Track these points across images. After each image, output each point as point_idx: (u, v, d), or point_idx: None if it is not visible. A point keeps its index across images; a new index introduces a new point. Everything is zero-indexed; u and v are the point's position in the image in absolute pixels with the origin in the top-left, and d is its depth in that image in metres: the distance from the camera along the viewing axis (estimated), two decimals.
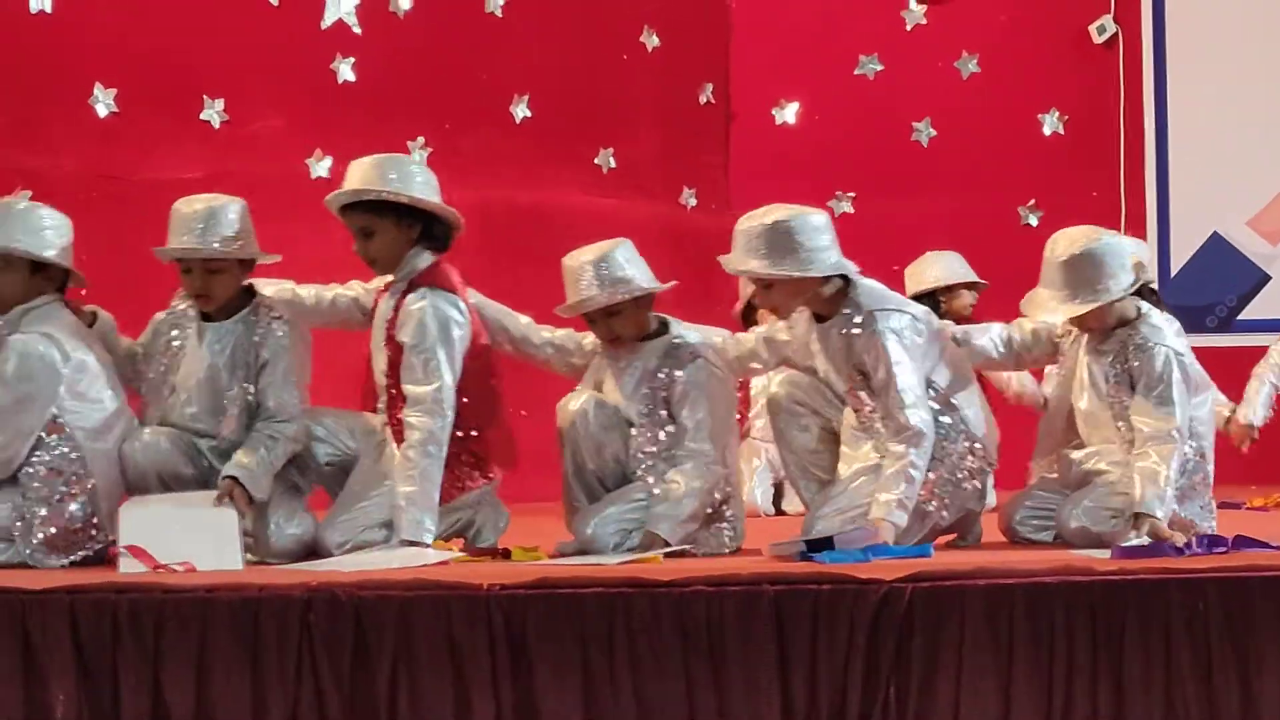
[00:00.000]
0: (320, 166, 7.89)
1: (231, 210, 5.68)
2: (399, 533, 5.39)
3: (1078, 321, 5.64)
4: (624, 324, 5.59)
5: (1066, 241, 5.67)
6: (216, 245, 5.62)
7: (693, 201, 9.13)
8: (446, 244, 5.70)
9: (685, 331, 5.68)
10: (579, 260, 5.54)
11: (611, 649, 4.33)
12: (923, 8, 8.60)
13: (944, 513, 5.64)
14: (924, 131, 9.32)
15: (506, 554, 5.46)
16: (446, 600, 4.39)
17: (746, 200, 8.62)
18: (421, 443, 5.43)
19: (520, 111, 8.23)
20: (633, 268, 5.58)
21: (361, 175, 5.72)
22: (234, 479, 5.42)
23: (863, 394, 5.52)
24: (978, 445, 5.66)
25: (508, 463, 5.79)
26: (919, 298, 6.31)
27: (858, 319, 5.49)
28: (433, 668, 4.34)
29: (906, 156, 9.06)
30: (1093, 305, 5.45)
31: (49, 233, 5.54)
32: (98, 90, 7.87)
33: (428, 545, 5.36)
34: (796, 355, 5.72)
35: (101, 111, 7.87)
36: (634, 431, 5.63)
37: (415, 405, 5.51)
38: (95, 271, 5.77)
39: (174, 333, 5.81)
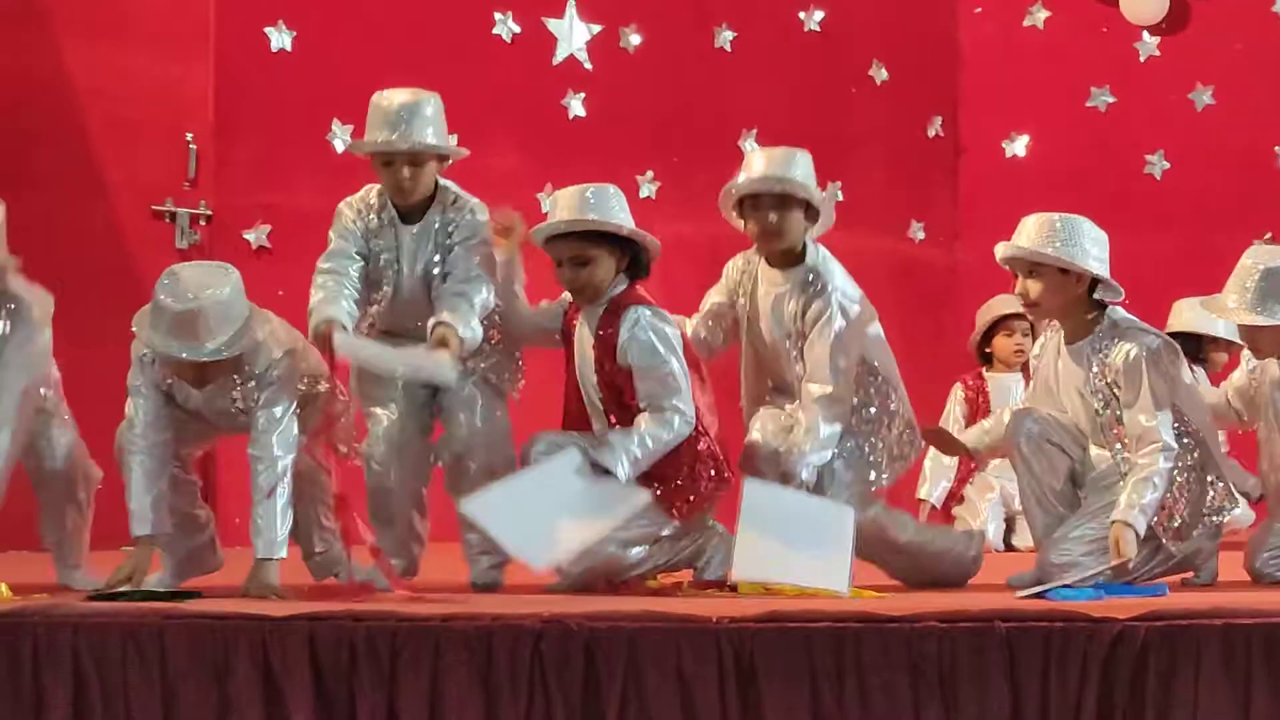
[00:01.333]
0: (551, 201, 7.93)
1: (430, 105, 5.83)
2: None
3: (1249, 338, 5.55)
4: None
5: (1269, 253, 5.61)
6: (426, 138, 5.75)
7: (921, 235, 9.07)
8: (647, 272, 5.79)
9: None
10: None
11: (841, 684, 4.31)
12: (1156, 39, 8.47)
13: (1174, 545, 5.59)
14: (1157, 164, 9.17)
15: (733, 587, 5.48)
16: (676, 633, 4.41)
17: (975, 233, 8.58)
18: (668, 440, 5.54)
19: (749, 146, 8.25)
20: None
21: (581, 204, 5.79)
22: (443, 323, 5.53)
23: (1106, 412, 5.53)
24: (1219, 483, 5.57)
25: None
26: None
27: (1116, 338, 5.50)
28: (662, 700, 4.34)
29: (1139, 190, 8.93)
30: (1273, 322, 5.44)
31: None
32: (335, 126, 8.01)
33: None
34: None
35: (339, 147, 8.01)
36: None
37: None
38: None
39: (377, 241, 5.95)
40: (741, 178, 5.80)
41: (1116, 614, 4.38)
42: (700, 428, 5.66)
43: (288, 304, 6.12)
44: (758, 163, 5.82)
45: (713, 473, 5.72)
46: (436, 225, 5.84)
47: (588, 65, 8.49)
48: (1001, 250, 5.63)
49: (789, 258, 5.79)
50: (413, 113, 5.85)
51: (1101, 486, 5.58)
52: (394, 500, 6.02)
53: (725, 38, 8.41)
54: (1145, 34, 8.63)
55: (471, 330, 5.59)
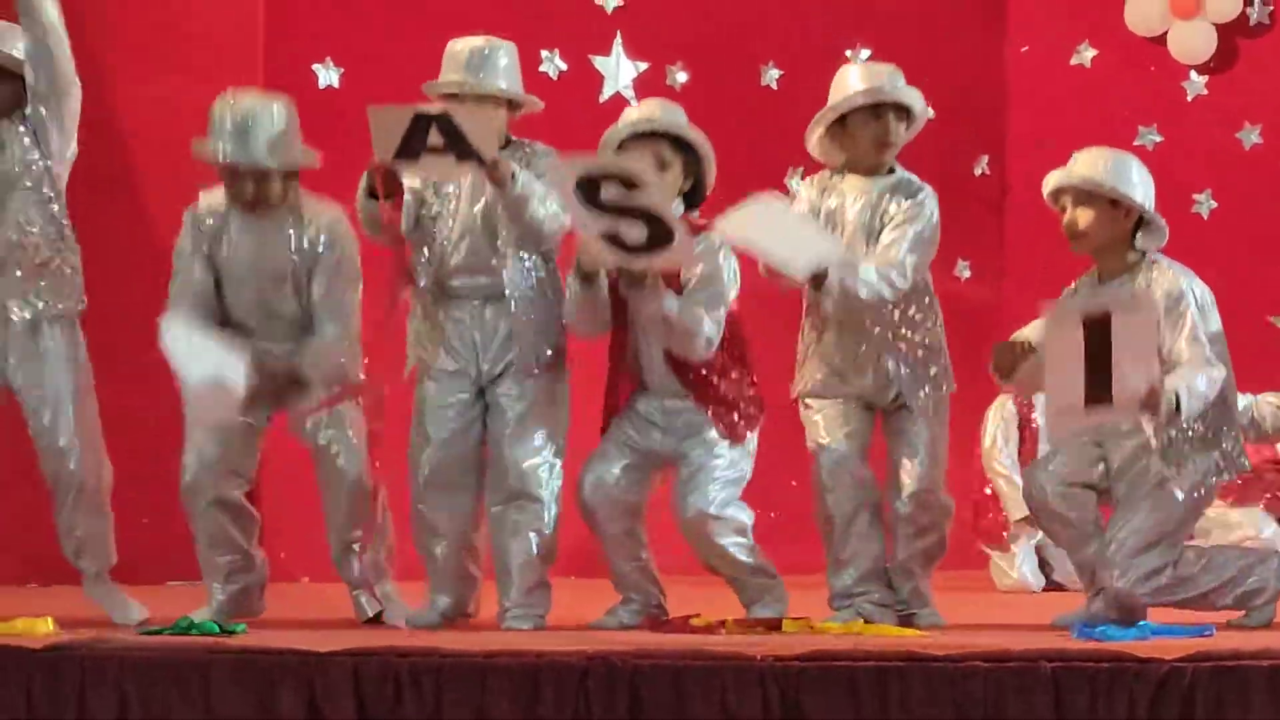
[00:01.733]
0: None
1: (504, 53, 6.03)
2: None
3: None
4: None
5: None
6: (499, 84, 5.97)
7: (967, 273, 9.08)
8: (704, 198, 6.24)
9: None
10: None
11: None
12: (1203, 78, 8.50)
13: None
14: (1204, 203, 9.16)
15: (778, 625, 5.50)
16: (721, 671, 4.42)
17: (1022, 272, 8.58)
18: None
19: (795, 183, 8.28)
20: None
21: (665, 109, 6.25)
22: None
23: None
24: (1234, 441, 5.86)
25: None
26: None
27: (1157, 274, 5.70)
28: None
29: (1187, 228, 8.89)
30: None
31: None
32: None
33: None
34: None
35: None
36: None
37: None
38: None
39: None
40: (851, 91, 6.26)
41: (1164, 654, 4.39)
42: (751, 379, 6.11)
43: None
44: (859, 77, 6.30)
45: (753, 409, 6.09)
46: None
47: (634, 103, 8.53)
48: (1055, 179, 5.86)
49: (883, 168, 6.31)
50: (485, 59, 6.03)
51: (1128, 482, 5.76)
52: (434, 534, 6.21)
53: (772, 76, 8.45)
54: (1193, 73, 8.65)
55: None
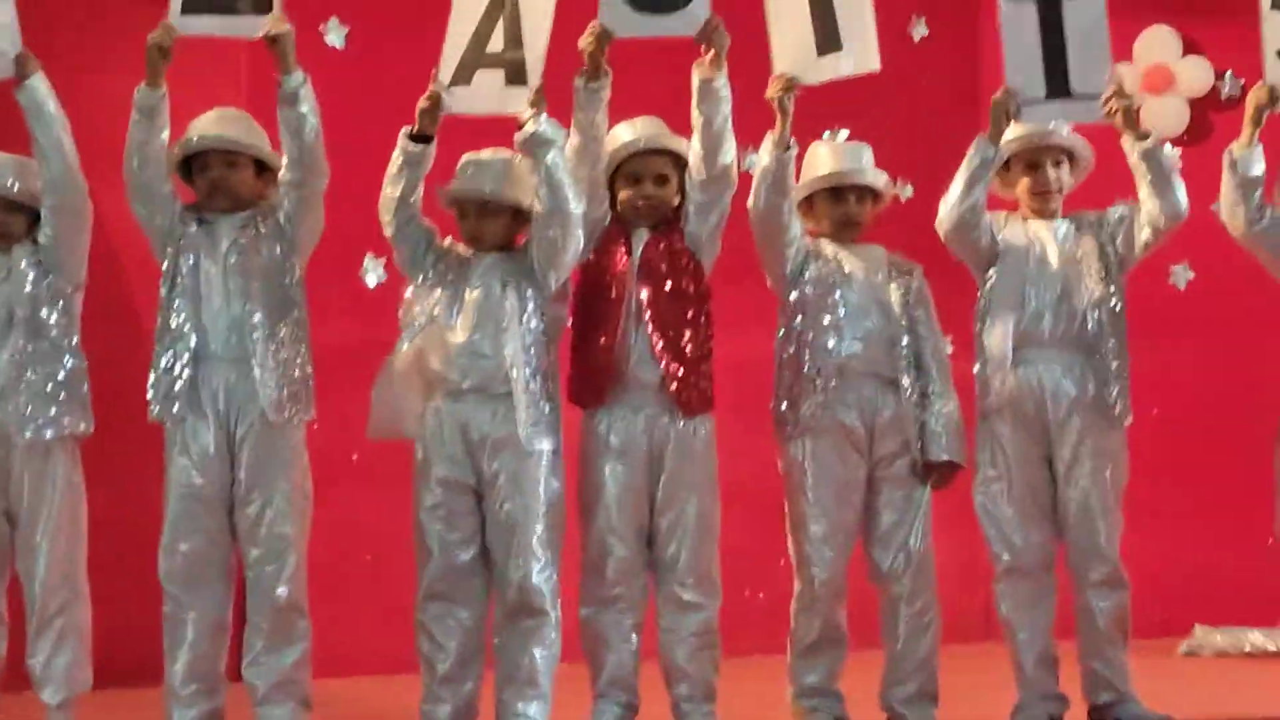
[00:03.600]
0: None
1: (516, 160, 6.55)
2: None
3: None
4: None
5: None
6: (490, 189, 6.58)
7: (949, 349, 9.07)
8: None
9: None
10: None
11: None
12: (1177, 151, 8.57)
13: None
14: (1181, 275, 9.29)
15: None
16: None
17: None
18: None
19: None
20: None
21: (661, 130, 6.75)
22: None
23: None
24: None
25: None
26: None
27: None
28: None
29: (1163, 300, 9.01)
30: None
31: None
32: (368, 261, 8.18)
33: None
34: None
35: (371, 281, 8.19)
36: None
37: None
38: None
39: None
40: (814, 174, 6.89)
41: None
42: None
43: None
44: (823, 158, 6.95)
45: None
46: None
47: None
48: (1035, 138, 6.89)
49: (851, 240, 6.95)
50: (507, 166, 6.66)
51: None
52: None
53: (750, 161, 8.39)
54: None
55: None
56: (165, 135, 6.61)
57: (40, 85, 6.59)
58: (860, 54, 6.68)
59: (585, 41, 6.50)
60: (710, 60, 6.52)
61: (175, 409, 6.58)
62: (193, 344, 6.61)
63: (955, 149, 7.13)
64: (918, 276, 7.02)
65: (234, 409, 6.62)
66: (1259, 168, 6.90)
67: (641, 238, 6.70)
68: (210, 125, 6.73)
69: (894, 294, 6.90)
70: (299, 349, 6.70)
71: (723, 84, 6.53)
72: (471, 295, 6.61)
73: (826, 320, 6.82)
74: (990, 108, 6.88)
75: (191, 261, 6.66)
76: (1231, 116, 8.61)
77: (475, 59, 6.65)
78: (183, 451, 6.63)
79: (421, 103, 6.58)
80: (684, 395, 6.60)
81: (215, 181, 6.71)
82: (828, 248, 6.91)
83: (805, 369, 6.79)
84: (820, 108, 7.02)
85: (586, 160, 6.62)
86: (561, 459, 6.73)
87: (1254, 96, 6.89)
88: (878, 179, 6.95)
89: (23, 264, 6.74)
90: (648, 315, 6.62)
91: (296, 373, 6.67)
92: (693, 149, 6.61)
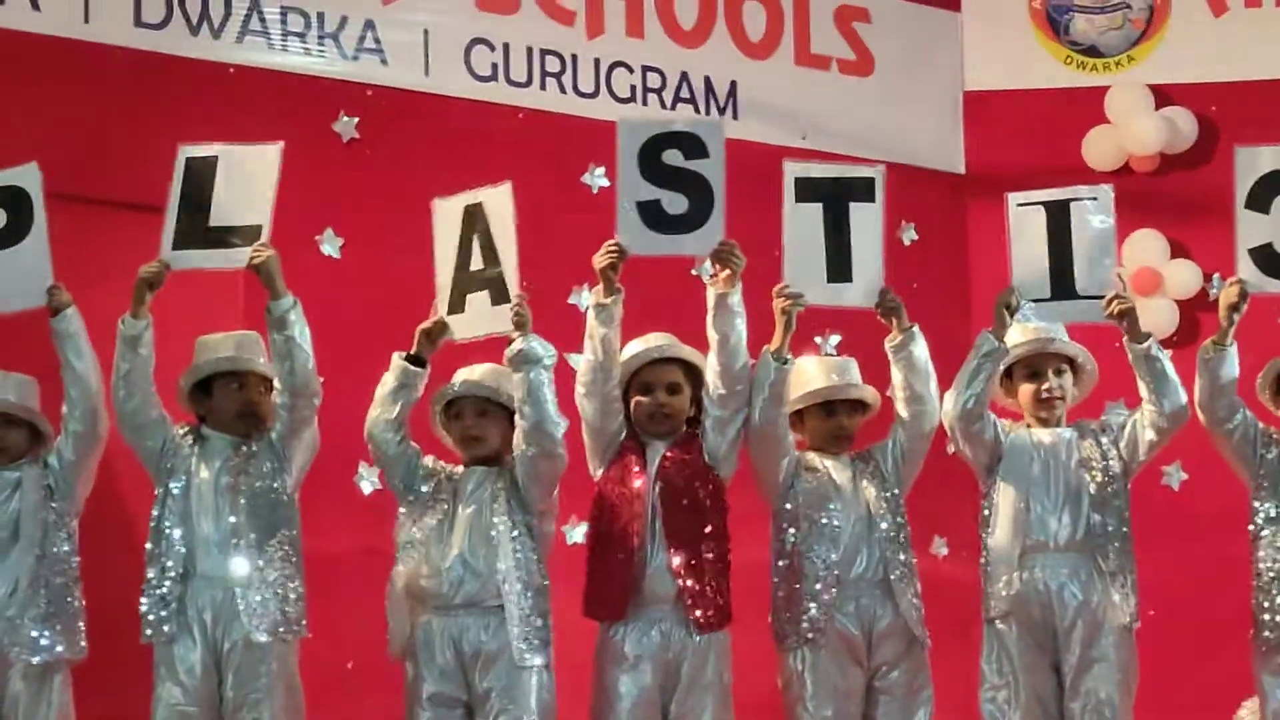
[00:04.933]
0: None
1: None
2: None
3: None
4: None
5: None
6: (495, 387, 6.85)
7: (944, 550, 9.23)
8: None
9: None
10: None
11: None
12: (1167, 353, 8.59)
13: None
14: (1174, 475, 9.36)
15: None
16: None
17: None
18: None
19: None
20: None
21: (674, 342, 6.97)
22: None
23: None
24: None
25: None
26: None
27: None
28: None
29: (1157, 501, 9.07)
30: None
31: None
32: (362, 468, 8.24)
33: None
34: None
35: (366, 489, 8.26)
36: None
37: None
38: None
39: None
40: (803, 390, 7.13)
41: None
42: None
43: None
44: (812, 374, 7.23)
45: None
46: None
47: None
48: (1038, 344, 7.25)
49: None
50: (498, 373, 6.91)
51: None
52: None
53: None
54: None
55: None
56: (150, 362, 6.87)
57: (73, 319, 6.92)
58: (866, 290, 7.04)
59: (600, 260, 6.71)
60: (725, 278, 6.75)
61: (165, 629, 6.75)
62: (182, 563, 6.81)
63: (946, 352, 7.34)
64: (875, 454, 7.23)
65: (220, 628, 6.80)
66: (1230, 370, 7.10)
67: (658, 451, 6.88)
68: (251, 348, 7.09)
69: (870, 493, 7.10)
70: (288, 567, 6.87)
71: (737, 301, 6.74)
72: (464, 512, 6.81)
73: (822, 532, 6.98)
74: (994, 304, 7.11)
75: (183, 482, 6.88)
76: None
77: (464, 283, 6.94)
78: (170, 673, 6.78)
79: (424, 325, 6.86)
80: (701, 612, 6.75)
81: (251, 405, 7.04)
82: (816, 460, 7.10)
83: (803, 581, 6.92)
84: (810, 312, 7.14)
85: (601, 376, 6.81)
86: (553, 672, 6.87)
87: (1225, 295, 7.11)
88: (865, 393, 7.18)
89: (30, 484, 6.95)
90: (664, 531, 6.78)
91: (289, 593, 6.85)
92: (710, 365, 6.81)
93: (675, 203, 6.87)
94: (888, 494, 7.10)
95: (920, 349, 7.02)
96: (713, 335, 6.80)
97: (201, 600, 6.77)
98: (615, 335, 6.84)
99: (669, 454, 6.87)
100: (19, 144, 7.49)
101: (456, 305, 6.94)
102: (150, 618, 6.80)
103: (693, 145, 6.94)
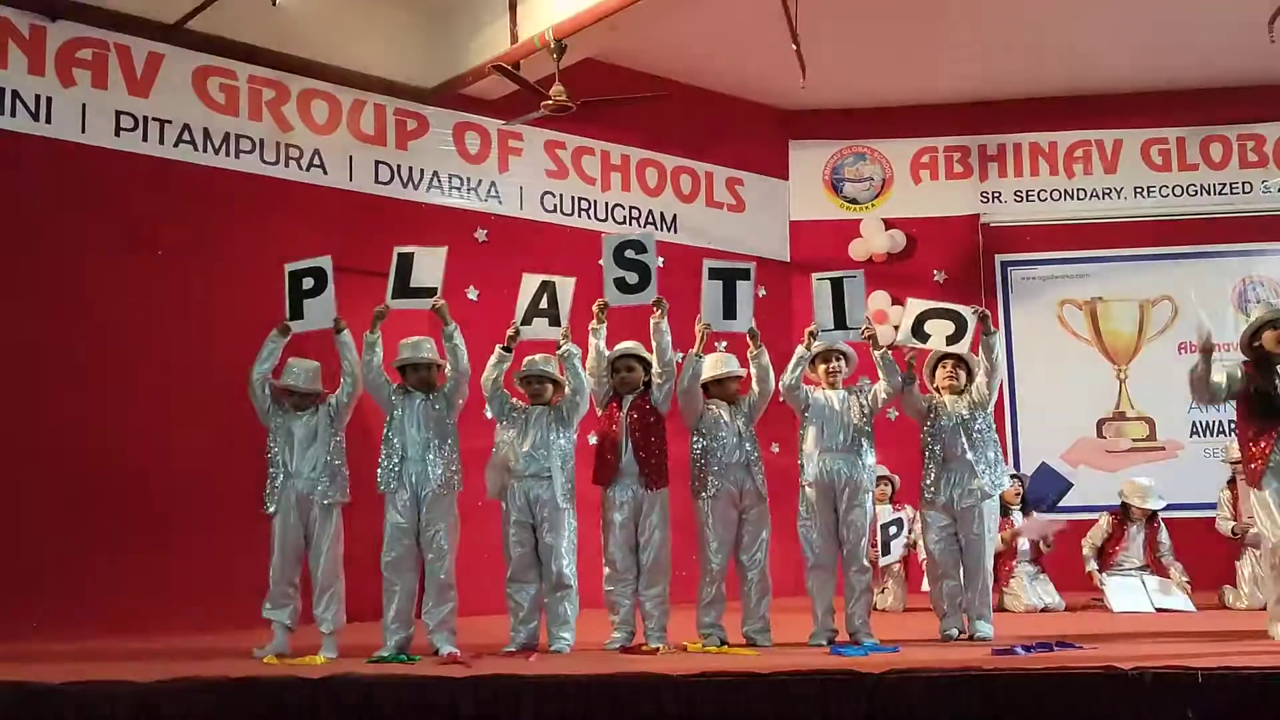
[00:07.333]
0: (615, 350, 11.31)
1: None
2: None
3: None
4: None
5: None
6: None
7: (777, 449, 13.57)
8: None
9: None
10: None
11: None
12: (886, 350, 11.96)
13: None
14: (891, 413, 12.65)
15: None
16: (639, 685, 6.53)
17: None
18: None
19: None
20: None
21: (635, 344, 10.10)
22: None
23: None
24: None
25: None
26: None
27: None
28: None
29: (884, 423, 11.93)
30: None
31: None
32: (486, 407, 11.35)
33: None
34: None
35: (488, 414, 11.31)
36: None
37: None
38: None
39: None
40: (821, 346, 10.49)
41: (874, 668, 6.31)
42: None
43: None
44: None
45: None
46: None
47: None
48: (826, 345, 10.32)
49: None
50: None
51: None
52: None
53: None
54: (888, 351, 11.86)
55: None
56: (379, 355, 10.08)
57: (348, 338, 10.37)
58: (743, 323, 10.22)
59: (596, 306, 10.27)
60: (659, 314, 10.22)
61: (391, 485, 10.19)
62: (398, 452, 10.18)
63: (778, 355, 10.44)
64: (743, 404, 10.41)
65: (418, 484, 10.04)
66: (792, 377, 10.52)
67: (628, 401, 10.38)
68: (426, 347, 10.21)
69: (740, 421, 10.40)
70: (452, 454, 10.15)
71: (666, 326, 10.17)
72: (531, 429, 10.41)
73: (716, 440, 10.65)
74: (804, 332, 10.52)
75: (400, 411, 10.25)
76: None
77: (533, 311, 10.44)
78: (393, 508, 10.19)
79: (509, 331, 10.36)
80: (651, 478, 10.23)
81: (423, 379, 10.45)
82: (714, 405, 10.43)
83: (706, 464, 10.44)
84: (715, 334, 10.54)
85: (596, 364, 10.44)
86: (575, 512, 10.41)
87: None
88: (737, 371, 10.57)
89: (322, 415, 10.46)
90: (631, 440, 10.23)
91: (452, 465, 10.13)
92: (654, 358, 10.37)
93: (631, 277, 10.33)
94: (745, 423, 10.48)
95: (764, 357, 10.43)
96: (654, 342, 10.20)
97: (407, 470, 10.09)
98: (603, 344, 10.34)
99: (635, 402, 10.33)
100: (322, 247, 10.99)
101: (527, 322, 10.35)
102: (382, 480, 10.18)
103: (640, 247, 10.37)
